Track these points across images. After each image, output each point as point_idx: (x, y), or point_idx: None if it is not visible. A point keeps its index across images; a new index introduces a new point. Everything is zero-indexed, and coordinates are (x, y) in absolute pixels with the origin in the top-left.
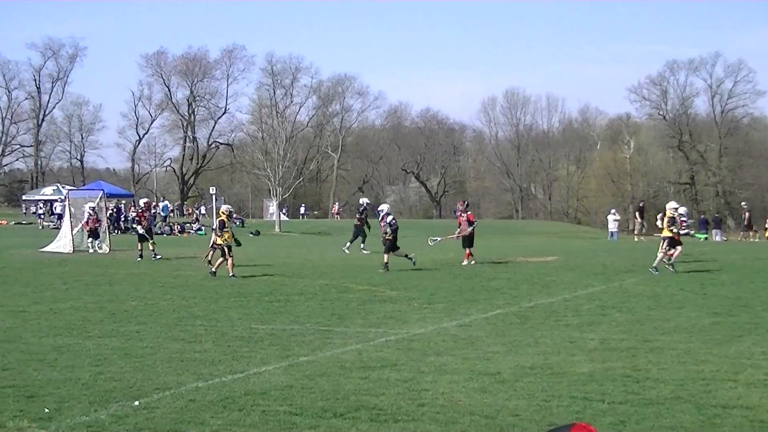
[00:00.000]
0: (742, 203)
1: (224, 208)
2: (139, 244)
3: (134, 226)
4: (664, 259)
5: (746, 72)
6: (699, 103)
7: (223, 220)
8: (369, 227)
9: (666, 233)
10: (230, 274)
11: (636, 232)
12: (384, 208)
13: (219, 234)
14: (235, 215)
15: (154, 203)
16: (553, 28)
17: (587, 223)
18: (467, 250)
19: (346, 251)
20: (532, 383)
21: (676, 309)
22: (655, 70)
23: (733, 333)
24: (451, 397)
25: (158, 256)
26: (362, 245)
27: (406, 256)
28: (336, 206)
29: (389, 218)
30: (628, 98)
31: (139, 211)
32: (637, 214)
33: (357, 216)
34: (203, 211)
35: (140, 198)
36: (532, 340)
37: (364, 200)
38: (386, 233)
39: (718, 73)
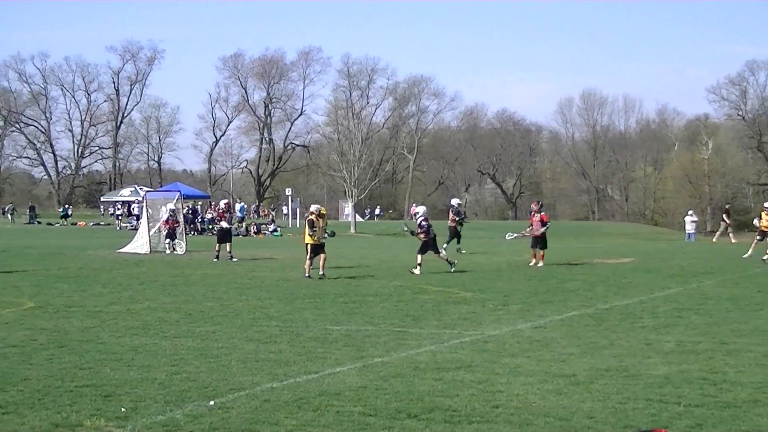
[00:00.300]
0: None
1: (314, 207)
2: (217, 245)
3: (214, 225)
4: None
5: None
6: None
7: (312, 219)
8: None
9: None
10: (305, 274)
11: (721, 233)
12: (419, 210)
13: (310, 234)
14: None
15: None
16: (631, 28)
17: (664, 224)
18: (542, 252)
19: (443, 252)
20: (607, 385)
21: (755, 311)
22: (734, 70)
23: None
24: (525, 399)
25: (234, 259)
26: (458, 245)
27: (447, 260)
28: (414, 207)
29: (420, 219)
30: (706, 98)
31: (221, 211)
32: (724, 216)
33: (451, 217)
34: (285, 211)
35: (221, 199)
36: (607, 342)
37: (455, 201)
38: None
39: None
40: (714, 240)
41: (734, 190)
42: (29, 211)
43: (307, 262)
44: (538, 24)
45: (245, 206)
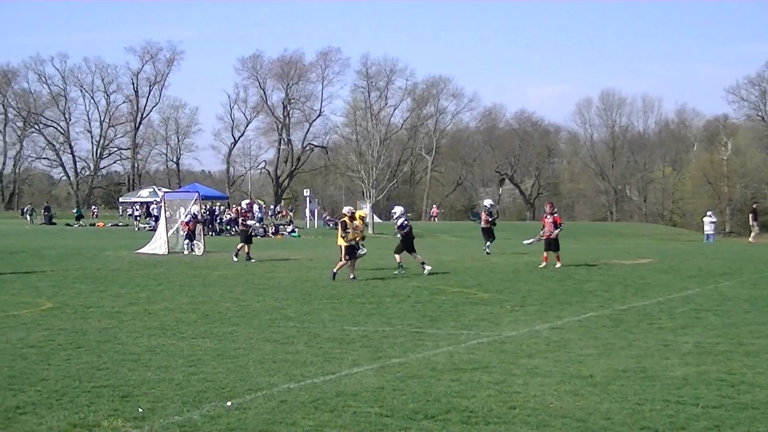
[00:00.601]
0: None
1: (346, 209)
2: (246, 246)
3: (233, 226)
4: None
5: None
6: None
7: (345, 221)
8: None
9: None
10: (333, 270)
11: (752, 235)
12: (397, 211)
13: (342, 235)
14: (328, 217)
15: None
16: (650, 29)
17: (683, 225)
18: (555, 254)
19: (487, 251)
20: (624, 386)
21: None
22: (753, 70)
23: None
24: (542, 400)
25: (252, 260)
26: (486, 246)
27: (422, 264)
28: (435, 208)
29: (399, 221)
30: (725, 99)
31: (243, 211)
32: (750, 216)
33: (484, 218)
34: (307, 213)
35: (242, 199)
36: (625, 343)
37: (488, 201)
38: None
39: None
40: (750, 240)
41: (753, 191)
42: (44, 212)
43: (344, 263)
44: (557, 25)
45: (263, 206)
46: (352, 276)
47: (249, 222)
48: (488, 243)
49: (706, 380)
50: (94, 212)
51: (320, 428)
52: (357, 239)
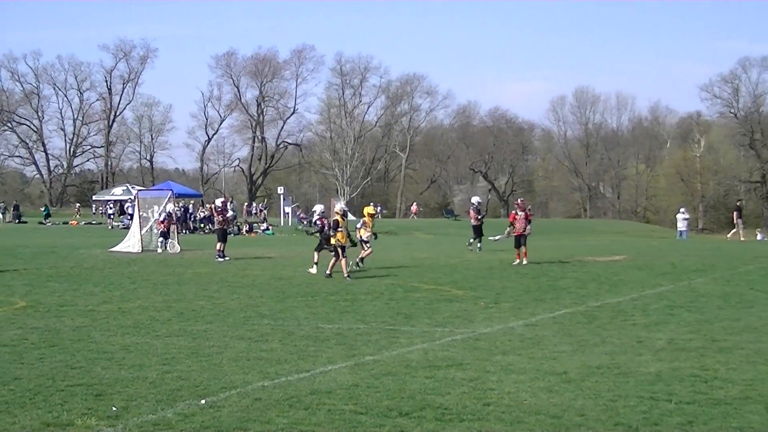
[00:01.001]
0: None
1: (338, 207)
2: (222, 244)
3: (207, 224)
4: None
5: None
6: None
7: (337, 219)
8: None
9: None
10: (345, 275)
11: (734, 233)
12: (317, 209)
13: (333, 234)
14: (302, 215)
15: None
16: (624, 26)
17: (656, 222)
18: (524, 250)
19: (479, 248)
20: (598, 383)
21: (746, 308)
22: (727, 68)
23: None
24: (516, 397)
25: (225, 258)
26: (470, 242)
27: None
28: (415, 206)
29: (315, 217)
30: (699, 96)
31: (218, 210)
32: (735, 214)
33: (473, 215)
34: (287, 211)
35: (216, 197)
36: (599, 340)
37: (476, 199)
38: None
39: None
40: (731, 237)
41: (726, 188)
42: (13, 210)
43: (340, 261)
44: (531, 22)
45: (236, 204)
46: (328, 272)
47: (228, 215)
48: (477, 241)
49: (679, 376)
50: (78, 210)
51: (295, 426)
52: (365, 235)
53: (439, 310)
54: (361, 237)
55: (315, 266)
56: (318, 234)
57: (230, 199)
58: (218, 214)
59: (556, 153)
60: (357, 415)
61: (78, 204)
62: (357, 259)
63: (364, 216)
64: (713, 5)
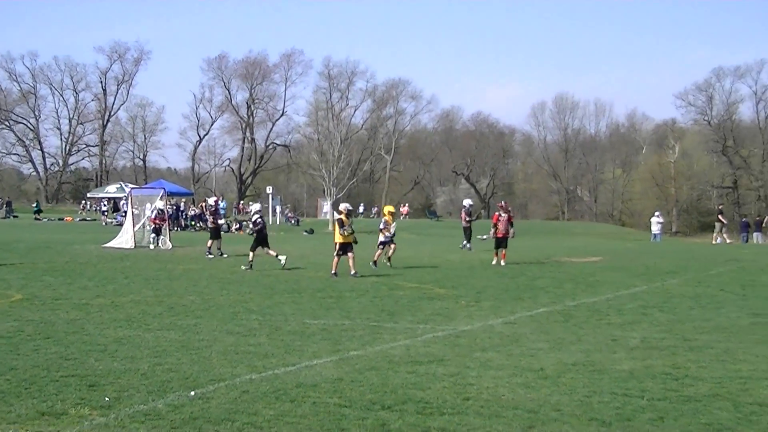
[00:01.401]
0: None
1: (343, 206)
2: (217, 242)
3: (199, 222)
4: None
5: None
6: (744, 109)
7: (341, 218)
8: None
9: None
10: (332, 271)
11: (717, 233)
12: (253, 208)
13: (341, 232)
14: (290, 214)
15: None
16: (603, 34)
17: (632, 225)
18: (503, 251)
19: (468, 247)
20: (574, 379)
21: (716, 309)
22: (701, 77)
23: None
24: (495, 392)
25: (210, 255)
26: (463, 244)
27: (276, 256)
28: (406, 207)
29: (255, 217)
30: (674, 104)
31: (212, 209)
32: (719, 216)
33: (464, 217)
34: (279, 210)
35: (208, 196)
36: (575, 338)
37: (467, 201)
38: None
39: (764, 79)
40: (713, 242)
41: (699, 193)
42: (6, 206)
43: (335, 259)
44: (514, 29)
45: (225, 203)
46: (333, 272)
47: (220, 221)
48: (467, 242)
49: (651, 374)
50: (85, 207)
51: (281, 418)
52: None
53: (421, 308)
54: (385, 236)
55: (251, 264)
56: (255, 234)
57: (221, 197)
58: (211, 214)
59: (536, 157)
60: (341, 408)
61: (84, 201)
62: (384, 260)
63: (385, 215)
64: (689, 16)
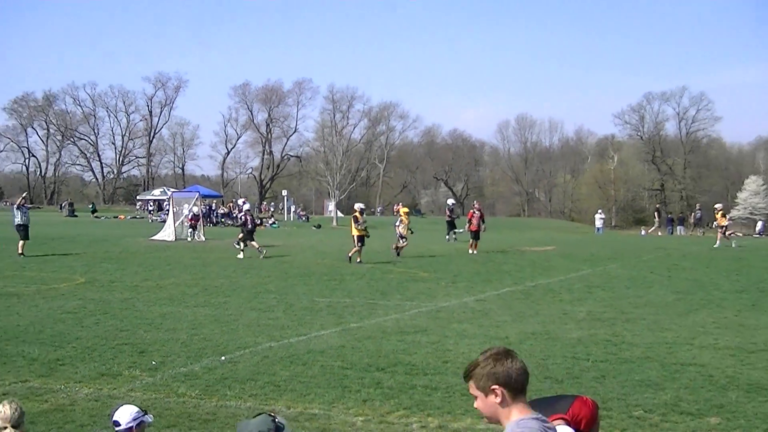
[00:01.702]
0: (697, 205)
1: (357, 206)
2: (255, 243)
3: (230, 221)
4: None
5: (706, 102)
6: (669, 127)
7: (356, 215)
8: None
9: (723, 223)
10: (357, 260)
11: (656, 228)
12: (241, 203)
13: (357, 227)
14: (301, 212)
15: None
16: (557, 65)
17: (579, 220)
18: (476, 242)
19: (454, 239)
20: (533, 346)
21: (647, 288)
22: (635, 100)
23: (691, 307)
24: (469, 356)
25: (240, 255)
26: (448, 235)
27: (258, 249)
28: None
29: (243, 215)
30: (613, 122)
31: (247, 211)
32: (655, 214)
33: (447, 213)
34: (293, 209)
35: (237, 198)
36: (533, 312)
37: (451, 201)
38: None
39: (685, 102)
40: (650, 233)
41: (633, 194)
42: (69, 207)
43: (355, 249)
44: (484, 60)
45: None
46: (359, 260)
47: (250, 226)
48: (452, 233)
49: (595, 341)
50: (142, 207)
51: (295, 378)
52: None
53: (408, 288)
54: (400, 233)
55: (242, 252)
56: (242, 228)
57: (245, 199)
58: (246, 217)
59: (502, 165)
60: (344, 369)
61: (139, 203)
62: (392, 252)
63: (401, 215)
64: (626, 50)
